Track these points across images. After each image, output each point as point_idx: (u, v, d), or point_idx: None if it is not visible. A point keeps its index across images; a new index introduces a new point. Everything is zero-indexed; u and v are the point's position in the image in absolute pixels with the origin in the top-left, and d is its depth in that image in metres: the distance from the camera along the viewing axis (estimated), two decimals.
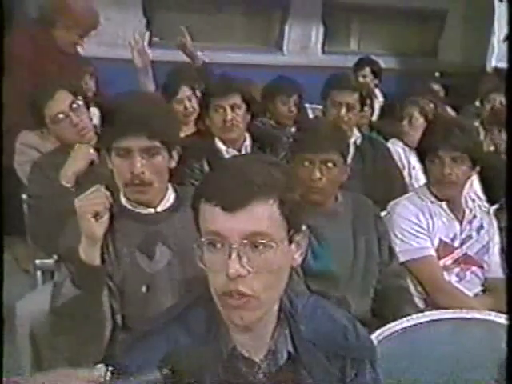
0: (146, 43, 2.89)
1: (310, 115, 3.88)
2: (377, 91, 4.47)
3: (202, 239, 1.00)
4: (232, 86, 2.59)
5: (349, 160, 2.04)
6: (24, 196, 2.39)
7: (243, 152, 2.59)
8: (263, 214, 0.98)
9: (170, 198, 1.65)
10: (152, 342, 1.04)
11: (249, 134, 2.65)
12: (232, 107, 2.53)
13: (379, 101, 4.36)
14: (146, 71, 2.89)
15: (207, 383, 1.00)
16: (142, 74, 2.88)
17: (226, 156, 2.54)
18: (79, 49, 2.98)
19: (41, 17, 2.88)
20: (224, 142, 2.57)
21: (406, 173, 3.04)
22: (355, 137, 2.83)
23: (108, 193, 1.57)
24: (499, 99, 3.71)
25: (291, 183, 1.04)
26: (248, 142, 2.63)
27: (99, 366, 1.49)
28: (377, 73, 4.43)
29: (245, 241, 0.97)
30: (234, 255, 0.96)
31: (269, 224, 0.98)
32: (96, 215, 1.53)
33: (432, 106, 3.21)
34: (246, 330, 1.04)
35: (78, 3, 2.86)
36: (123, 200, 1.62)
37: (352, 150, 2.48)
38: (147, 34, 2.88)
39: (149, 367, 0.90)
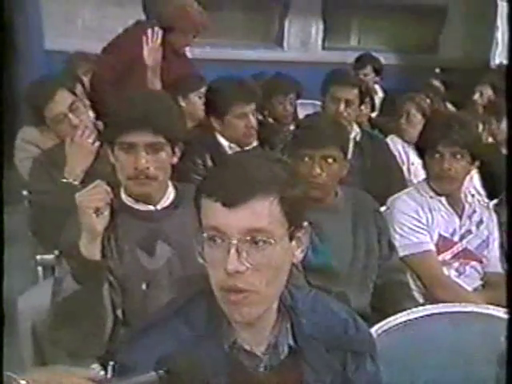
0: (159, 41, 2.85)
1: (311, 111, 3.87)
2: (377, 87, 4.46)
3: (203, 234, 1.00)
4: (253, 94, 2.58)
5: (349, 155, 2.04)
6: (25, 192, 2.40)
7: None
8: (263, 211, 0.98)
9: (170, 195, 1.65)
10: (153, 336, 1.05)
11: None
12: (253, 114, 2.53)
13: (379, 97, 4.37)
14: (155, 69, 2.86)
15: (208, 378, 1.00)
16: (150, 72, 2.86)
17: (229, 151, 2.54)
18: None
19: (159, 22, 2.98)
20: (227, 138, 2.55)
21: (405, 169, 3.05)
22: (354, 133, 2.82)
23: (109, 188, 1.58)
24: (480, 89, 3.74)
25: (293, 180, 1.04)
26: None
27: (95, 365, 1.51)
28: (378, 70, 4.42)
29: (244, 237, 0.97)
30: (233, 251, 0.96)
31: (269, 220, 0.98)
32: (97, 210, 1.54)
33: (429, 101, 3.21)
34: (246, 325, 1.05)
35: (195, 9, 3.06)
36: (123, 196, 1.63)
37: (351, 145, 2.47)
38: (160, 33, 2.83)
39: (150, 362, 0.90)
